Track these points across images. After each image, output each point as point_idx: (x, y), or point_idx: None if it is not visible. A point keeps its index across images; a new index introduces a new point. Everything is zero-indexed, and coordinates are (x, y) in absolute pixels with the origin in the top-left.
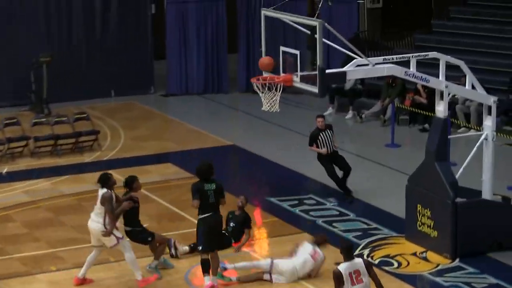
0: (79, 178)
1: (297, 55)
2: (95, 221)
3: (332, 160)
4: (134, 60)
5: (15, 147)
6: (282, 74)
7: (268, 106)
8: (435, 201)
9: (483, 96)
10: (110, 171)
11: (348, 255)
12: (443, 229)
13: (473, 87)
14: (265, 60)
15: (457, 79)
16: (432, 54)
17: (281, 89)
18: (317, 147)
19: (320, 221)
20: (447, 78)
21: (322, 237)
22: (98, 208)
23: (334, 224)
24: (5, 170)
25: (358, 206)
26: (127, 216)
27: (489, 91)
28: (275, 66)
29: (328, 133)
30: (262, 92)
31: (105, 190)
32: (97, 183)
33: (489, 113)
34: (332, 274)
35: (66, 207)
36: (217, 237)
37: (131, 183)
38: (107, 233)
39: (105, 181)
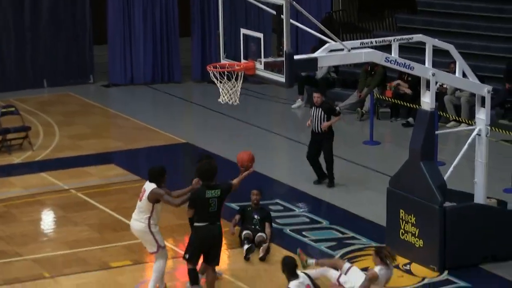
0: (7, 181)
1: (260, 38)
2: (137, 219)
3: (317, 143)
4: (70, 46)
5: None
6: (243, 61)
7: (227, 97)
8: (420, 206)
9: (475, 86)
10: (43, 173)
11: (292, 272)
12: (429, 238)
13: (464, 75)
14: (244, 155)
15: (446, 66)
16: (417, 37)
17: (242, 78)
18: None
19: (287, 230)
20: (435, 64)
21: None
22: (142, 206)
23: (304, 232)
24: None
25: (332, 212)
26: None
27: (482, 79)
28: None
29: (319, 111)
30: (220, 82)
31: (154, 185)
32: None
33: (483, 105)
34: None
35: None
36: (209, 250)
37: (160, 175)
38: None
39: (160, 174)
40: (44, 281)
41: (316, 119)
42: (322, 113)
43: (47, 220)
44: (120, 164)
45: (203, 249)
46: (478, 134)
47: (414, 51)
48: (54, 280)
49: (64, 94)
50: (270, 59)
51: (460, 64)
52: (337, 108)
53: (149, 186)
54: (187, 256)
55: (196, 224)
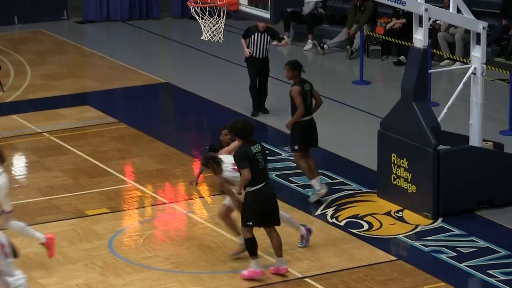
0: None
1: None
2: None
3: (259, 71)
4: None
5: None
6: None
7: (209, 35)
8: (413, 150)
9: (470, 22)
10: (14, 116)
11: None
12: (422, 183)
13: (458, 10)
14: None
15: (439, 1)
16: None
17: (225, 14)
18: (247, 47)
19: (273, 175)
20: None
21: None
22: None
23: (290, 178)
24: None
25: (320, 156)
26: None
27: (478, 15)
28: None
29: (265, 37)
30: (202, 18)
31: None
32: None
33: (478, 42)
34: None
35: None
36: (270, 211)
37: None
38: None
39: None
40: None
41: (260, 44)
42: (268, 38)
43: (19, 165)
44: (95, 105)
45: (264, 212)
46: (473, 73)
47: None
48: None
49: (36, 31)
50: None
51: None
52: (325, 46)
53: None
54: (251, 223)
55: (250, 188)
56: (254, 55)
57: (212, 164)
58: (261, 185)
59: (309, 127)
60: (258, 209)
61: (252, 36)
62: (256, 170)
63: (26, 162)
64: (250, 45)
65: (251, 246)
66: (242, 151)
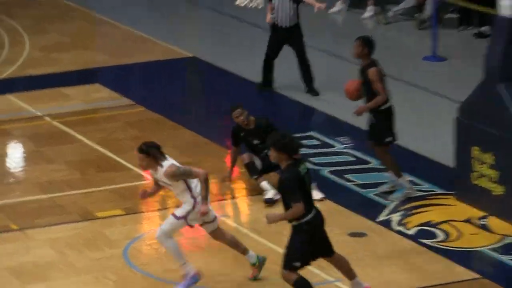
0: None
1: None
2: None
3: (281, 41)
4: None
5: None
6: None
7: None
8: (501, 142)
9: None
10: (9, 96)
11: None
12: None
13: None
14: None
15: None
16: None
17: None
18: (271, 9)
19: (326, 172)
20: None
21: None
22: None
23: (346, 175)
24: None
25: None
26: None
27: None
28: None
29: (287, 1)
30: None
31: None
32: None
33: None
34: None
35: None
36: (322, 241)
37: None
38: None
39: None
40: (11, 235)
41: (282, 9)
42: (291, 2)
43: (14, 156)
44: (107, 83)
45: (316, 244)
46: None
47: None
48: (23, 233)
49: None
50: None
51: None
52: (390, 13)
53: None
54: (298, 264)
55: (301, 220)
56: (276, 22)
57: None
58: (312, 213)
59: (392, 115)
60: (311, 246)
61: (271, 2)
62: (307, 194)
63: (23, 152)
64: (274, 10)
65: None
66: (292, 178)
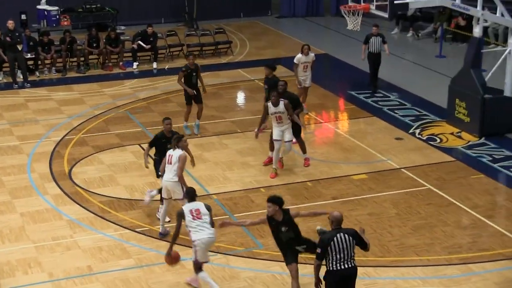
0: (216, 74)
1: None
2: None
3: (374, 61)
4: None
5: (174, 51)
6: (362, 3)
7: (352, 26)
8: (469, 97)
9: (508, 22)
10: (239, 70)
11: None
12: (474, 116)
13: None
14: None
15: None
16: None
17: (361, 14)
18: (368, 48)
19: (385, 109)
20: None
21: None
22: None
23: (395, 111)
24: (167, 67)
25: (412, 98)
26: None
27: None
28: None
29: (377, 39)
30: (348, 16)
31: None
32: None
33: None
34: None
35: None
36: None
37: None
38: None
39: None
40: None
41: (375, 45)
42: (381, 40)
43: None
44: (285, 65)
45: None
46: (509, 53)
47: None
48: None
49: (253, 22)
50: (379, 3)
51: (500, 8)
52: (420, 34)
53: None
54: None
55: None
56: (370, 50)
57: None
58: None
59: None
60: None
61: (370, 40)
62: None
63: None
64: (370, 47)
65: None
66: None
